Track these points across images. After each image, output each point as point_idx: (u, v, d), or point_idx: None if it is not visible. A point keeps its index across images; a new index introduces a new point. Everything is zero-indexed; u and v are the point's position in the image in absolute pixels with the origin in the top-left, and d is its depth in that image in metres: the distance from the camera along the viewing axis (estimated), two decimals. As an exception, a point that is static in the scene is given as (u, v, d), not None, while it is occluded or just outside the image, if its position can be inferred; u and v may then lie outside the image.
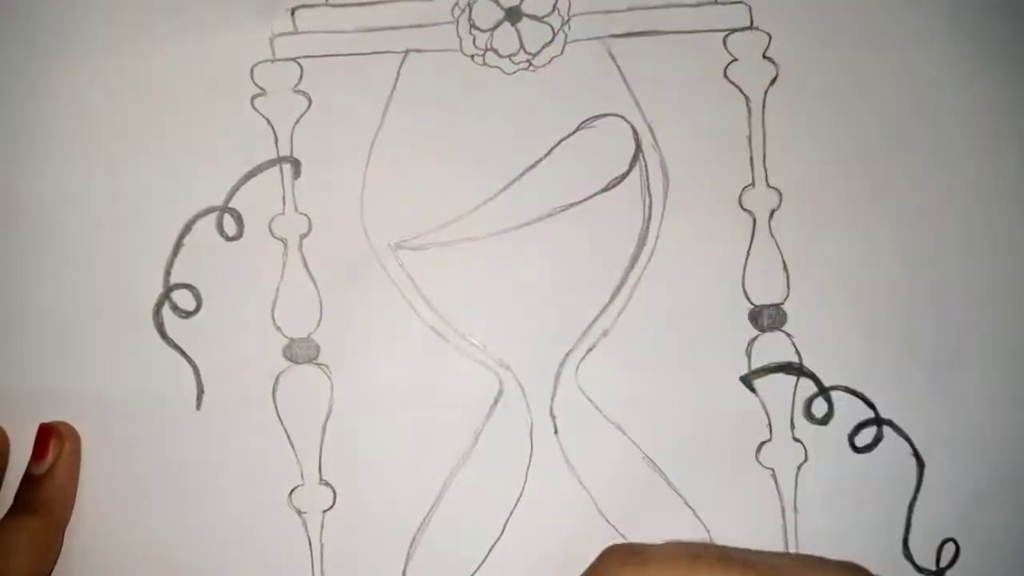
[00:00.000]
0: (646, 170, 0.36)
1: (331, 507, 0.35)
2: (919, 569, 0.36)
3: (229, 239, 0.36)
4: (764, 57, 0.36)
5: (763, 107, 0.36)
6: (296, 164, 0.36)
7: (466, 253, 0.36)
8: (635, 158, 0.36)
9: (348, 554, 0.35)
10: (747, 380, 0.36)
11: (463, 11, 0.36)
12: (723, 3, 0.36)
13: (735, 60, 0.36)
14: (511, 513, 0.36)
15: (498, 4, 0.36)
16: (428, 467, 0.36)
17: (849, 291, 0.36)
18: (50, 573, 0.35)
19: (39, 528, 0.34)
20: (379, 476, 0.36)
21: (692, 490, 0.36)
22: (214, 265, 0.36)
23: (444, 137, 0.36)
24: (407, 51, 0.36)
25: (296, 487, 0.35)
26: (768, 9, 0.36)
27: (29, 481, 0.35)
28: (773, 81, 0.36)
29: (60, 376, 0.35)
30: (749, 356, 0.36)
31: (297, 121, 0.36)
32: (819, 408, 0.36)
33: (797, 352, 0.36)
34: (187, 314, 0.35)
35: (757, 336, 0.36)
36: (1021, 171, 0.36)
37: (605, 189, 0.36)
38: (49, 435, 0.35)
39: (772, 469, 0.36)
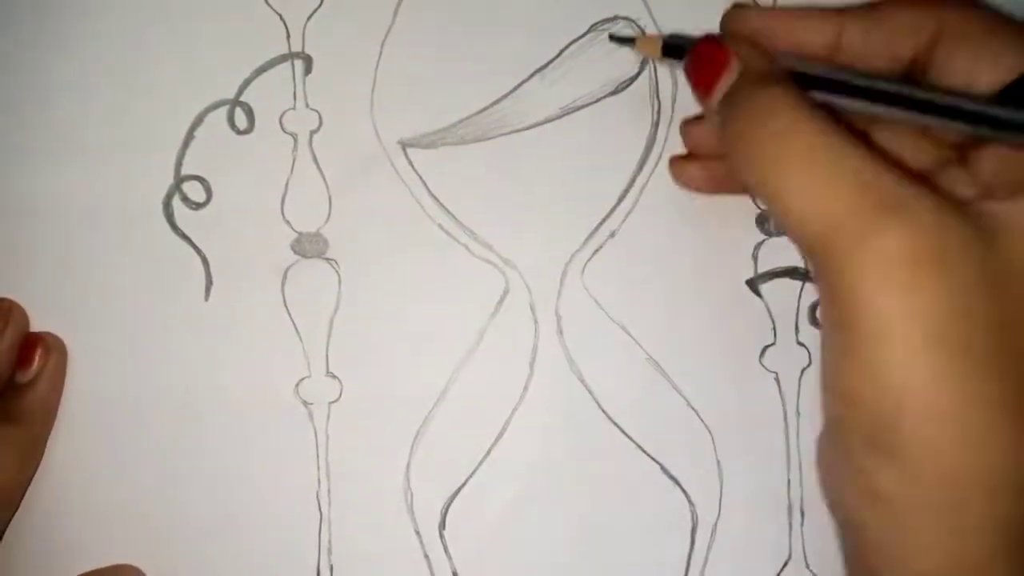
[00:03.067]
0: (655, 74, 0.36)
1: (337, 399, 0.36)
2: (920, 475, 0.36)
3: (240, 133, 0.36)
4: (775, -39, 0.36)
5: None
6: (308, 60, 0.36)
7: (475, 153, 0.36)
8: (644, 62, 0.36)
9: (353, 446, 0.36)
10: (753, 284, 0.36)
11: (476, -88, 0.36)
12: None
13: (746, -36, 0.36)
14: (514, 410, 0.36)
15: (511, -95, 0.36)
16: (433, 363, 0.36)
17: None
18: (29, 483, 0.35)
19: (19, 438, 0.34)
20: (385, 370, 0.36)
21: (695, 392, 0.36)
22: (225, 158, 0.36)
23: (455, 37, 0.36)
24: (420, -50, 0.36)
25: (303, 379, 0.36)
26: (780, -86, 0.36)
27: (11, 389, 0.35)
28: (784, -14, 0.36)
29: (69, 265, 0.36)
30: (755, 260, 0.36)
31: (309, 17, 0.36)
32: (824, 313, 0.36)
33: (803, 257, 0.36)
34: (197, 206, 0.36)
35: (764, 240, 0.36)
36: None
37: (614, 92, 0.36)
38: (35, 345, 0.35)
39: (776, 373, 0.36)
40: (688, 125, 0.35)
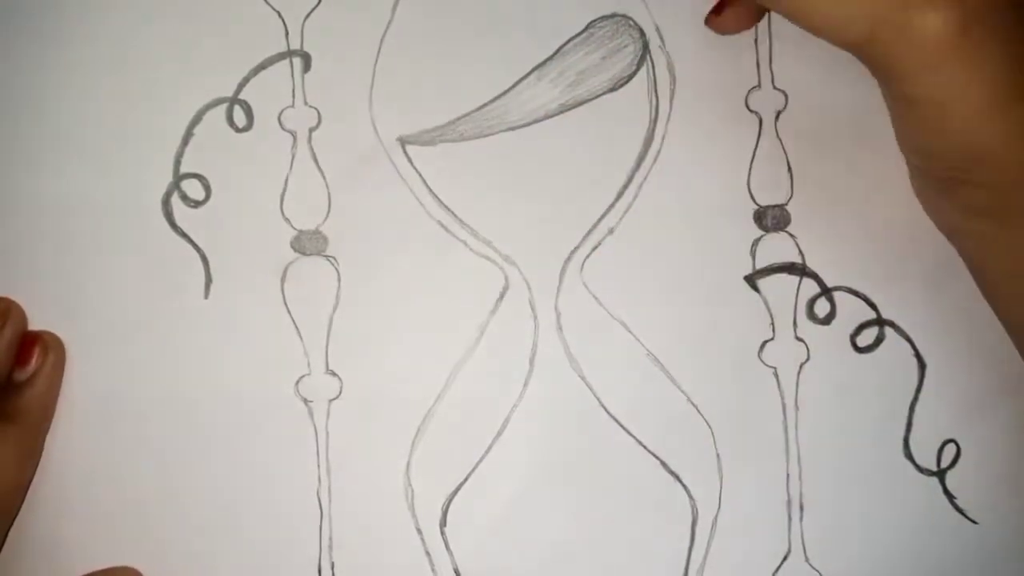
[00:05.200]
0: (653, 71, 0.36)
1: (337, 396, 0.36)
2: (920, 469, 0.36)
3: (239, 131, 0.36)
4: (772, -42, 0.36)
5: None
6: (306, 57, 0.36)
7: (474, 149, 0.36)
8: (642, 59, 0.36)
9: (353, 443, 0.36)
10: (751, 279, 0.36)
11: (475, -92, 0.36)
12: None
13: (743, -39, 0.36)
14: (514, 407, 0.36)
15: (509, -98, 0.36)
16: (433, 360, 0.36)
17: (853, 192, 0.36)
18: (29, 482, 0.35)
19: (17, 436, 0.34)
20: (385, 368, 0.36)
21: (694, 387, 0.36)
22: (224, 156, 0.36)
23: (454, 34, 0.36)
24: (419, -53, 0.36)
25: (303, 376, 0.36)
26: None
27: (9, 388, 0.35)
28: (781, -16, 0.36)
29: (68, 263, 0.36)
30: (753, 256, 0.36)
31: (308, 15, 0.36)
32: (821, 308, 0.36)
33: (800, 252, 0.36)
34: (196, 204, 0.36)
35: (761, 236, 0.36)
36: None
37: (612, 88, 0.36)
38: (34, 343, 0.35)
39: (774, 368, 0.36)
40: None
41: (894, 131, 0.30)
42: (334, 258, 0.36)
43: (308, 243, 0.36)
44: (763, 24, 0.36)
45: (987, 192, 0.29)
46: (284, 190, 0.36)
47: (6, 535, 0.35)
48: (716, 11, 0.35)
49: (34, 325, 0.36)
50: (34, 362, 0.35)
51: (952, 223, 0.32)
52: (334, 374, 0.36)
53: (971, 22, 0.27)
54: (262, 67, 0.36)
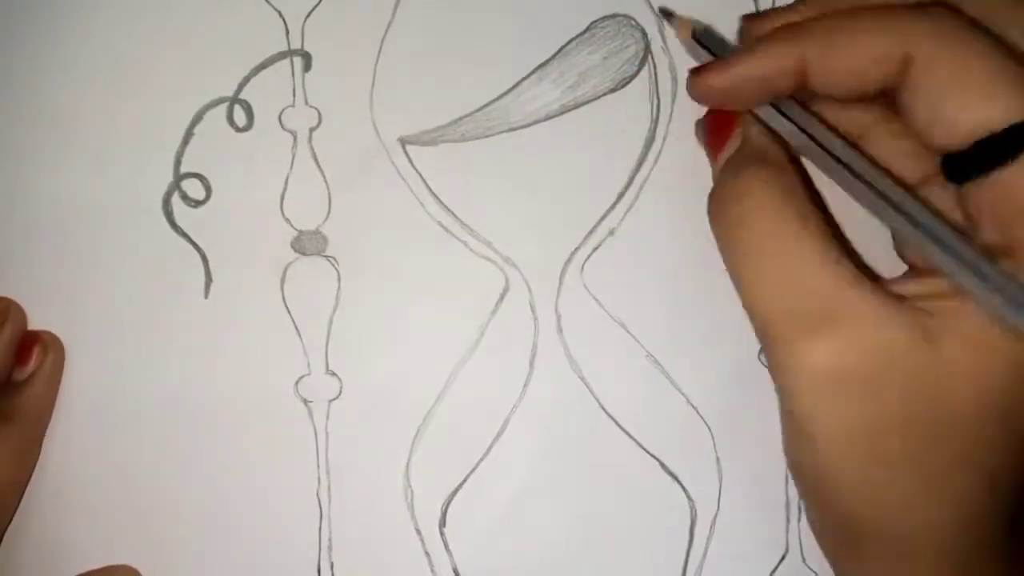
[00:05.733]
0: (655, 71, 0.36)
1: (337, 397, 0.36)
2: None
3: (239, 130, 0.36)
4: (775, -40, 0.36)
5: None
6: (307, 57, 0.36)
7: (475, 150, 0.36)
8: (644, 59, 0.36)
9: (353, 444, 0.36)
10: (751, 282, 0.36)
11: (476, -92, 0.36)
12: (736, -95, 0.36)
13: (747, -37, 0.36)
14: (514, 408, 0.36)
15: (511, -99, 0.36)
16: (433, 361, 0.36)
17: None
18: (26, 482, 0.35)
19: (15, 436, 0.34)
20: (385, 368, 0.36)
21: (694, 389, 0.36)
22: (224, 156, 0.36)
23: (455, 34, 0.36)
24: (420, -54, 0.36)
25: (302, 377, 0.36)
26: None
27: (7, 387, 0.35)
28: (783, -15, 0.36)
29: (67, 262, 0.36)
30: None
31: (308, 14, 0.36)
32: (822, 311, 0.36)
33: (801, 255, 0.36)
34: (196, 203, 0.36)
35: (762, 238, 0.36)
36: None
37: (613, 89, 0.36)
38: (33, 343, 0.35)
39: (774, 370, 0.36)
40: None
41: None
42: (334, 258, 0.36)
43: (308, 243, 0.36)
44: (765, 25, 0.36)
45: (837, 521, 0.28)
46: (284, 190, 0.36)
47: (2, 534, 0.35)
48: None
49: (33, 324, 0.36)
50: (33, 361, 0.35)
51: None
52: (334, 374, 0.36)
53: (856, 362, 0.26)
54: (263, 67, 0.36)
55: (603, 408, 0.36)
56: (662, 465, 0.36)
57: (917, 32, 0.26)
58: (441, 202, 0.36)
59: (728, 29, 0.33)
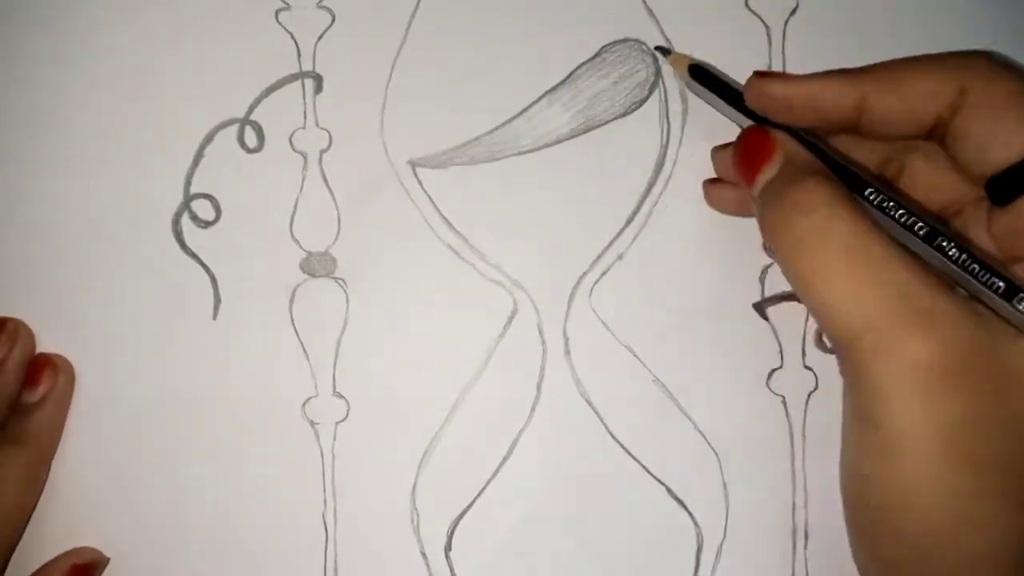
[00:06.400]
0: (665, 96, 0.36)
1: (344, 419, 0.36)
2: (925, 499, 0.36)
3: (250, 151, 0.36)
4: (786, -14, 0.36)
5: (783, 37, 0.36)
6: (318, 79, 0.36)
7: (485, 173, 0.36)
8: (654, 84, 0.36)
9: (359, 466, 0.36)
10: (760, 307, 0.36)
11: (487, -69, 0.36)
12: (747, -69, 0.36)
13: (757, -11, 0.36)
14: (521, 431, 0.36)
15: (523, -74, 0.36)
16: (441, 384, 0.36)
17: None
18: (34, 505, 0.35)
19: (25, 460, 0.34)
20: (392, 391, 0.36)
21: (701, 414, 0.36)
22: (234, 177, 0.36)
23: (466, 57, 0.36)
24: (431, -30, 0.36)
25: (310, 398, 0.36)
26: (792, -62, 0.36)
27: (17, 410, 0.35)
28: (793, 11, 0.36)
29: (77, 283, 0.36)
30: (762, 283, 0.36)
31: (320, 36, 0.36)
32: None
33: (810, 281, 0.36)
34: (206, 224, 0.36)
35: (770, 264, 0.36)
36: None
37: (624, 114, 0.36)
38: (44, 366, 0.35)
39: (782, 396, 0.36)
40: (718, 151, 0.35)
41: (842, 449, 0.29)
42: (343, 280, 0.36)
43: (317, 265, 0.36)
44: (776, 51, 0.36)
45: (901, 547, 0.28)
46: (294, 211, 0.36)
47: (8, 558, 0.35)
48: (716, 182, 0.35)
49: (43, 345, 0.36)
50: (44, 384, 0.35)
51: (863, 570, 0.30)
52: (341, 396, 0.36)
53: (951, 361, 0.26)
54: (274, 88, 0.36)
55: (610, 432, 0.36)
56: (668, 491, 0.36)
57: (969, 68, 0.29)
58: (450, 225, 0.36)
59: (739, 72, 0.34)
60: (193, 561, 0.35)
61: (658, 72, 0.36)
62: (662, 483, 0.36)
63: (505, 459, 0.36)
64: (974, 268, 0.28)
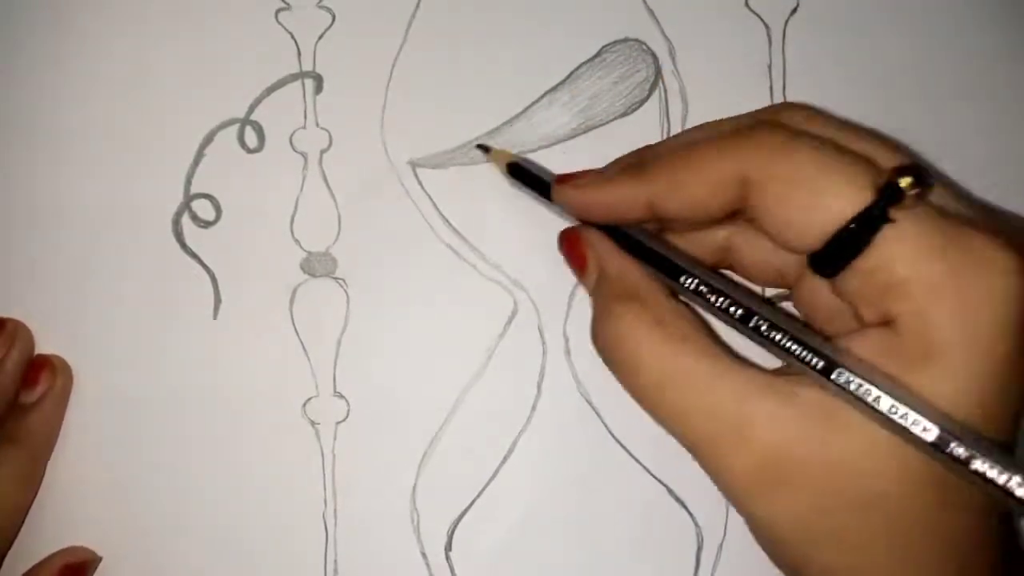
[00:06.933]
0: (665, 96, 0.36)
1: (344, 419, 0.36)
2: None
3: (250, 151, 0.36)
4: (786, -15, 0.36)
5: (783, 36, 0.36)
6: (318, 79, 0.36)
7: (485, 173, 0.36)
8: (655, 84, 0.36)
9: (360, 466, 0.36)
10: (760, 307, 0.36)
11: (487, -69, 0.36)
12: (747, -69, 0.36)
13: (757, -12, 0.36)
14: (521, 431, 0.36)
15: (523, -74, 0.36)
16: (441, 384, 0.36)
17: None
18: (29, 505, 0.35)
19: (22, 460, 0.34)
20: (393, 391, 0.36)
21: (702, 414, 0.36)
22: (234, 177, 0.36)
23: (466, 57, 0.36)
24: (432, -30, 0.36)
25: (310, 398, 0.36)
26: (791, -63, 0.36)
27: (14, 410, 0.35)
28: (794, 11, 0.36)
29: (76, 282, 0.36)
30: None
31: (320, 36, 0.36)
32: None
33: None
34: (206, 224, 0.36)
35: (771, 264, 0.36)
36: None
37: (624, 114, 0.36)
38: (42, 366, 0.35)
39: (782, 396, 0.36)
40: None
41: None
42: (343, 280, 0.36)
43: (318, 265, 0.36)
44: (776, 50, 0.36)
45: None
46: (294, 211, 0.36)
47: (3, 557, 0.35)
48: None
49: (42, 345, 0.36)
50: (42, 385, 0.35)
51: None
52: (341, 396, 0.36)
53: (769, 464, 0.27)
54: (274, 88, 0.36)
55: (610, 432, 0.36)
56: (668, 490, 0.36)
57: (747, 153, 0.28)
58: (450, 225, 0.36)
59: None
60: (193, 560, 0.35)
61: (658, 72, 0.36)
62: (662, 482, 0.36)
63: (505, 459, 0.36)
64: (791, 347, 0.28)
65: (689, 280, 0.30)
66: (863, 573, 0.28)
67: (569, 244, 0.33)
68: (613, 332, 0.30)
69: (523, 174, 0.34)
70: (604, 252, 0.32)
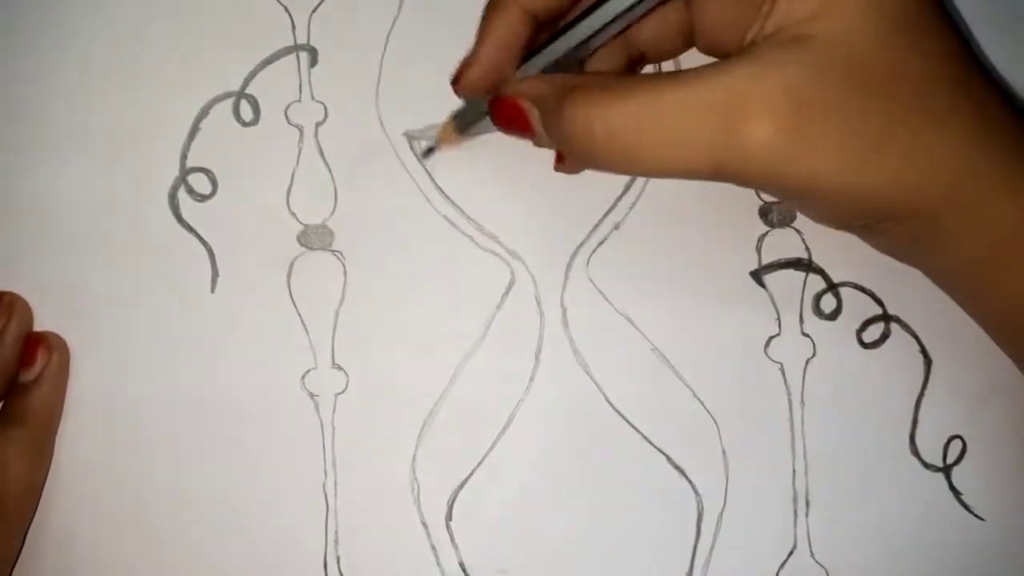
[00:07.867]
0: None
1: (343, 391, 0.36)
2: (926, 465, 0.36)
3: (245, 125, 0.36)
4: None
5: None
6: (313, 52, 0.36)
7: (480, 145, 0.36)
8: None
9: (359, 437, 0.36)
10: (757, 275, 0.36)
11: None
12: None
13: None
14: (520, 402, 0.36)
15: None
16: (439, 355, 0.36)
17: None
18: (43, 484, 0.35)
19: (28, 438, 0.35)
20: (391, 362, 0.36)
21: (700, 382, 0.36)
22: (230, 150, 0.36)
23: (461, 28, 0.36)
24: (426, -59, 0.36)
25: (309, 370, 0.36)
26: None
27: (15, 391, 0.35)
28: None
29: (73, 259, 0.36)
30: (759, 251, 0.36)
31: (315, 9, 0.36)
32: (828, 304, 0.36)
33: (807, 248, 0.36)
34: (203, 198, 0.36)
35: (767, 232, 0.36)
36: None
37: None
38: (38, 343, 0.35)
39: (780, 363, 0.36)
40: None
41: None
42: (340, 253, 0.36)
43: (314, 237, 0.36)
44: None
45: (900, 231, 0.30)
46: (290, 184, 0.36)
47: (24, 536, 0.35)
48: (559, 159, 0.35)
49: (40, 321, 0.36)
50: (39, 362, 0.35)
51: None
52: (340, 368, 0.36)
53: (801, 109, 0.27)
54: (269, 61, 0.36)
55: (609, 401, 0.36)
56: (668, 459, 0.36)
57: None
58: (447, 196, 0.36)
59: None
60: (193, 531, 0.36)
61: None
62: (662, 452, 0.36)
63: (504, 429, 0.36)
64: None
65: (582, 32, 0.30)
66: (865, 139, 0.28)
67: (503, 110, 0.32)
68: (582, 119, 0.29)
69: (465, 116, 0.34)
70: (528, 88, 0.31)
